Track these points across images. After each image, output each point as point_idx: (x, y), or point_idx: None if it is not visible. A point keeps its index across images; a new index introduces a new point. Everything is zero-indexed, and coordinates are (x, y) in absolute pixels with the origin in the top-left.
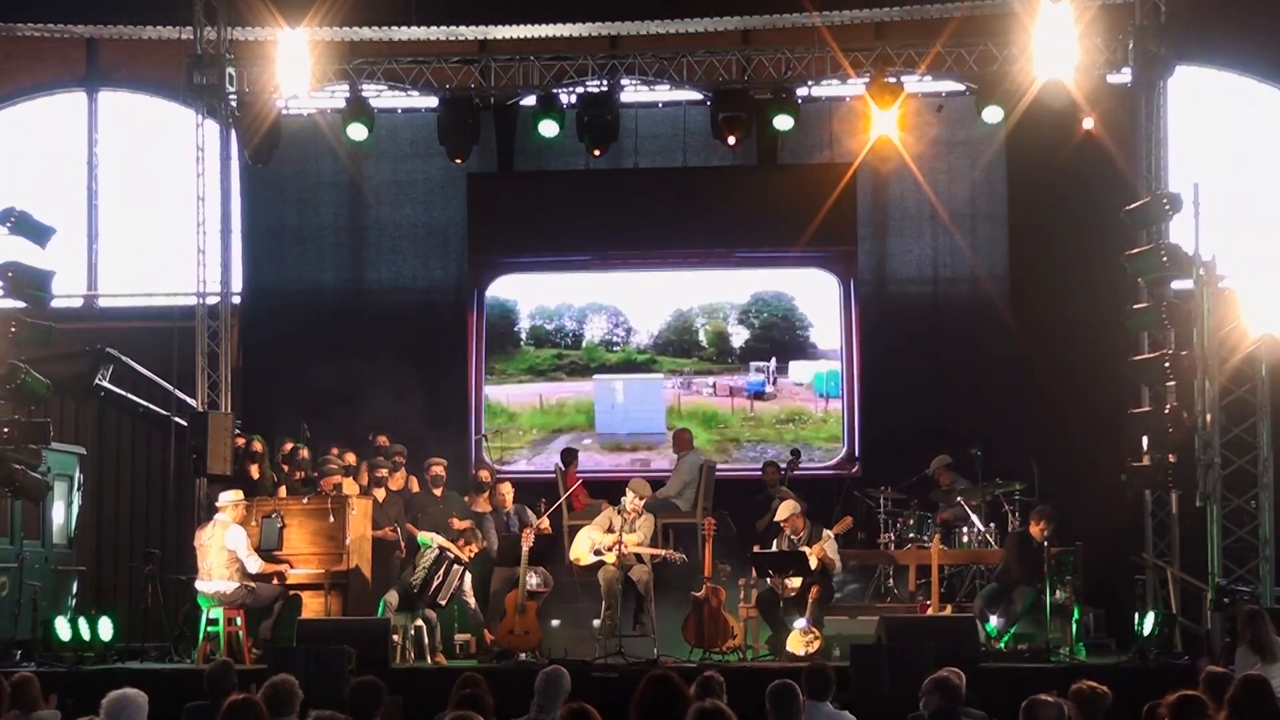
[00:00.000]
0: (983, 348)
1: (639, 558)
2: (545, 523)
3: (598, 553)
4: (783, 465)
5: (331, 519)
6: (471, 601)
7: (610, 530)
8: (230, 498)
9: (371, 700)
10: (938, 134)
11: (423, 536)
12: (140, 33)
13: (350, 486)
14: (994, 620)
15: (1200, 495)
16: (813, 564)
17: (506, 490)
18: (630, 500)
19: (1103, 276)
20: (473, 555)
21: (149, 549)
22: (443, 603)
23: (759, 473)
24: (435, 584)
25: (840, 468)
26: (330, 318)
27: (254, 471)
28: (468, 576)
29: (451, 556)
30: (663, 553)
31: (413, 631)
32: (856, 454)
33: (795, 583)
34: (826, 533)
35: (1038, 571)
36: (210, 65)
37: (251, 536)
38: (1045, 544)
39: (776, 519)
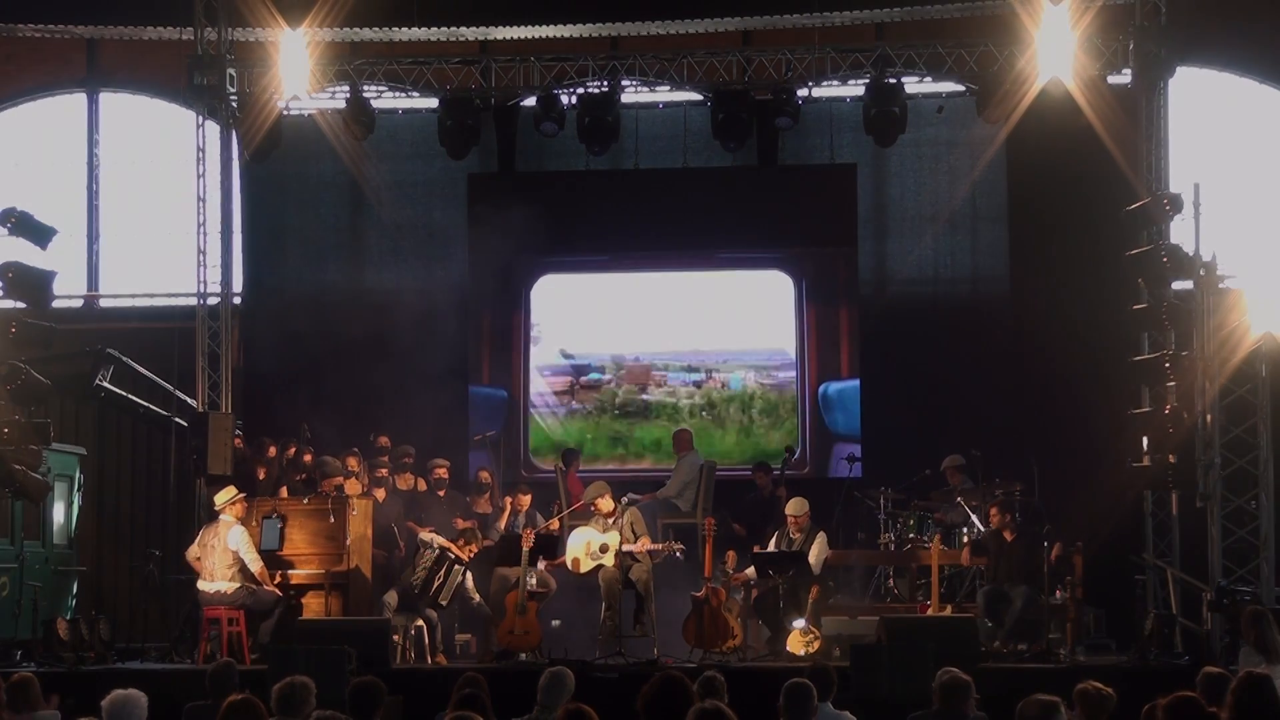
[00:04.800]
0: (983, 348)
1: (634, 557)
2: (555, 524)
3: (597, 555)
4: (775, 467)
5: (332, 519)
6: (476, 598)
7: (604, 532)
8: (226, 496)
9: (372, 700)
10: (938, 134)
11: (424, 536)
12: (140, 33)
13: (352, 487)
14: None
15: (1200, 495)
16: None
17: (525, 498)
18: (602, 505)
19: (1103, 276)
20: (473, 555)
21: (149, 549)
22: (444, 603)
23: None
24: (436, 584)
25: (794, 468)
26: (331, 318)
27: (260, 474)
28: (469, 576)
29: (453, 557)
30: (661, 547)
31: (413, 631)
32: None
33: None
34: (821, 534)
35: (1019, 566)
36: (211, 66)
37: (252, 536)
38: (1009, 533)
39: (787, 511)
